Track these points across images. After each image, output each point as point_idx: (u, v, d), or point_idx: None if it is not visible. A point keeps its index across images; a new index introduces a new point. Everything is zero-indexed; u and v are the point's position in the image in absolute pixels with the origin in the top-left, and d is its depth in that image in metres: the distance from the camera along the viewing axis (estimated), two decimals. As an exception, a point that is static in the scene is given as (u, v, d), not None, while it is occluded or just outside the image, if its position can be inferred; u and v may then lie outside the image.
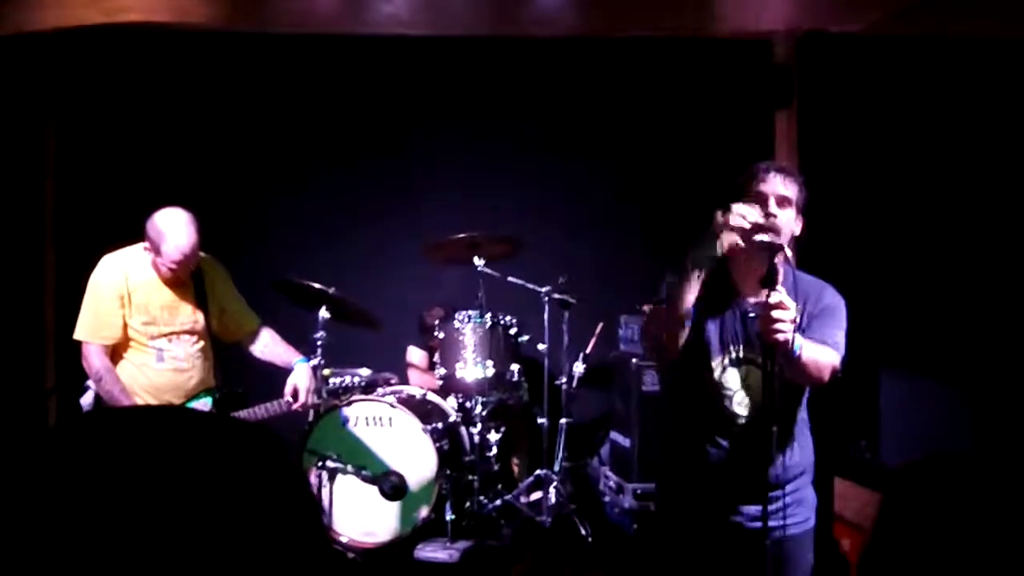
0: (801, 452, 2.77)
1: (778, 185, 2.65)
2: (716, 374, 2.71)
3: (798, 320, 2.66)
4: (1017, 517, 1.11)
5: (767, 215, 2.59)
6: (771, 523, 2.55)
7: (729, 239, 2.50)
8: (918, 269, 5.38)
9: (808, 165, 5.49)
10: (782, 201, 2.64)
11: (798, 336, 2.50)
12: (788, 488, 2.68)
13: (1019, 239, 5.31)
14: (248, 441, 0.94)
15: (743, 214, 2.50)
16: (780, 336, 2.42)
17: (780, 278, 2.51)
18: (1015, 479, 1.15)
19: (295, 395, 4.16)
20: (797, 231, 2.72)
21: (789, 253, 2.61)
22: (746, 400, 2.69)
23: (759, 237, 2.51)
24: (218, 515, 0.87)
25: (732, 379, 2.71)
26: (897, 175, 5.49)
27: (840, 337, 2.69)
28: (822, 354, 2.59)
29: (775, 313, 2.42)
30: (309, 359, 4.30)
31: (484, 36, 5.95)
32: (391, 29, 5.66)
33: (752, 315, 2.66)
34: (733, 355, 2.71)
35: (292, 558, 0.91)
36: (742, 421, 2.70)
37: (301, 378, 4.20)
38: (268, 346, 4.32)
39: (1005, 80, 5.36)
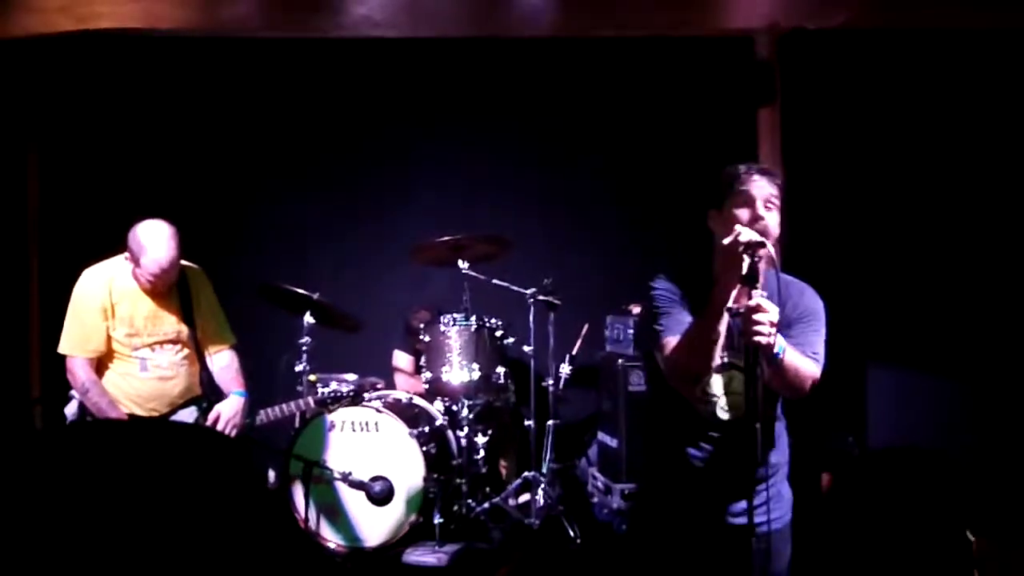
0: (778, 450, 2.81)
1: (765, 187, 2.61)
2: (703, 379, 2.69)
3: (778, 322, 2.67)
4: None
5: (755, 218, 2.57)
6: (756, 519, 2.55)
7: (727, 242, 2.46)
8: (904, 263, 5.39)
9: (792, 161, 5.52)
10: (768, 202, 2.60)
11: (781, 339, 2.48)
12: (768, 484, 2.67)
13: (1005, 232, 5.32)
14: (212, 453, 0.94)
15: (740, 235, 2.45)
16: (762, 339, 2.39)
17: (762, 278, 2.48)
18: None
19: (215, 422, 4.04)
20: (778, 233, 2.68)
21: (772, 251, 2.51)
22: (728, 405, 2.69)
23: (760, 250, 2.46)
24: (183, 521, 0.89)
25: (716, 385, 2.71)
26: (881, 169, 5.51)
27: (821, 348, 2.68)
28: (803, 363, 2.60)
29: (756, 316, 2.39)
30: (247, 395, 4.20)
31: (464, 37, 5.91)
32: (366, 31, 5.59)
33: (734, 315, 2.62)
34: (717, 360, 2.64)
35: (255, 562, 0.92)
36: (725, 425, 2.70)
37: (227, 407, 4.10)
38: (224, 369, 4.24)
39: (986, 69, 5.37)
